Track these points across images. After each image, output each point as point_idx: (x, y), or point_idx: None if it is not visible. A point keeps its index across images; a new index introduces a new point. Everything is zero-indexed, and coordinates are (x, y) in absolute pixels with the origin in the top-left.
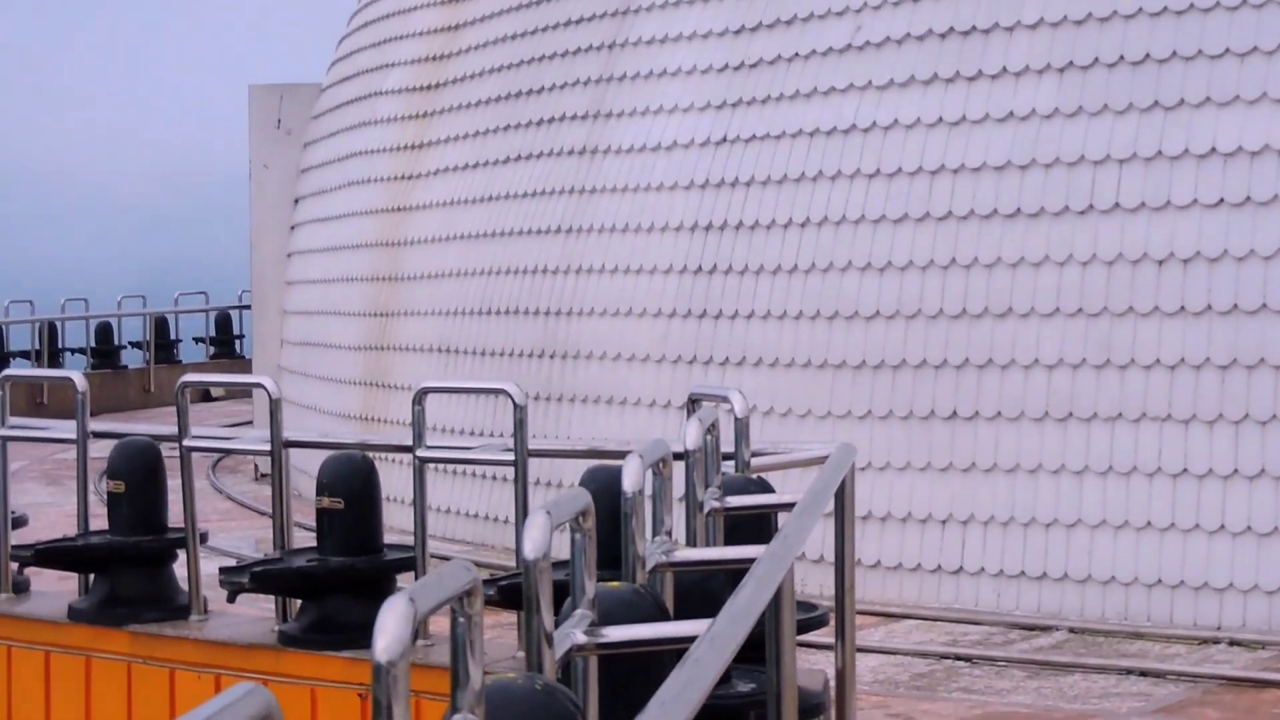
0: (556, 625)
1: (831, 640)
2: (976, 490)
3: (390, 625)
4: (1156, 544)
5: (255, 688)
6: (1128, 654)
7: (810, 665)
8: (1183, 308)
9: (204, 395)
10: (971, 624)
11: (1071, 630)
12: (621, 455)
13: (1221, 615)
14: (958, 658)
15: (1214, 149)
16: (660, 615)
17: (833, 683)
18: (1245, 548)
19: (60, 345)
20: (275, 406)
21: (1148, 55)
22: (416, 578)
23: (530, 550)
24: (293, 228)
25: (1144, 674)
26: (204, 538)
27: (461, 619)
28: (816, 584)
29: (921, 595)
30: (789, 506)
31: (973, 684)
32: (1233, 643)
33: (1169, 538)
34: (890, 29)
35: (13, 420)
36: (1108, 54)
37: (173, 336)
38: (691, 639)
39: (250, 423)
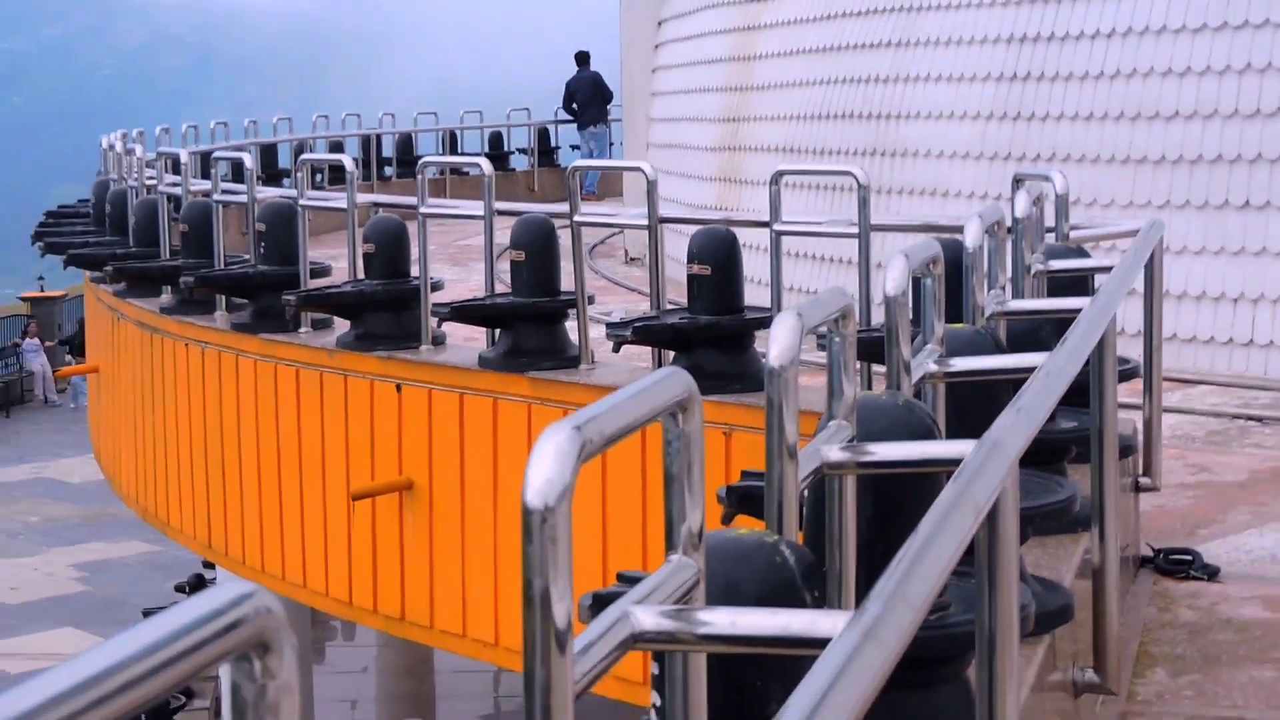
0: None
1: (1136, 400)
2: (1266, 271)
3: (781, 335)
4: None
5: (677, 370)
6: None
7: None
8: None
9: None
10: (1261, 389)
11: None
12: (953, 230)
13: None
14: (1249, 418)
15: None
16: (998, 352)
17: (1140, 433)
18: None
19: (459, 151)
20: (651, 187)
21: None
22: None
23: (892, 288)
24: (656, 47)
25: None
26: (591, 299)
27: (837, 338)
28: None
29: (1214, 365)
30: (1107, 269)
31: (1263, 441)
32: None
33: None
34: None
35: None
36: None
37: (553, 144)
38: (1027, 370)
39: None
